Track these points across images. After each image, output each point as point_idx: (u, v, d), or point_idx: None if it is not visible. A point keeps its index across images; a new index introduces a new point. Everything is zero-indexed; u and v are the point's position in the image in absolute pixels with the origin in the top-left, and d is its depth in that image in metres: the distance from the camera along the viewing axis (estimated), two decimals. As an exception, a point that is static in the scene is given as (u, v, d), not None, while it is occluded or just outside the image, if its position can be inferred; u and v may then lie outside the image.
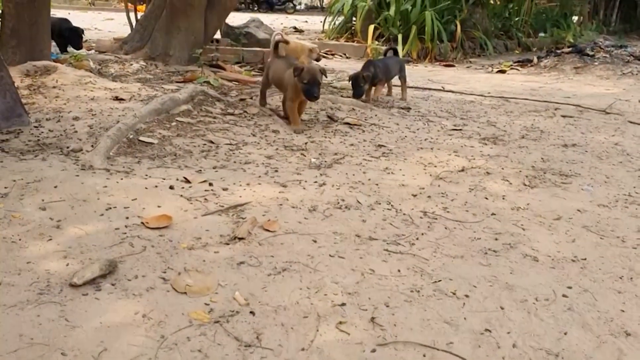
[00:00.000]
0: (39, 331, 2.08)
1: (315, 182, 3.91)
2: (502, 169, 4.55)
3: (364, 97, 6.61)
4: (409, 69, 10.78)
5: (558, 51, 12.72)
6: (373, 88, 6.80)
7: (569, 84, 9.93)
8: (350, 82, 6.56)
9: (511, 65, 11.95)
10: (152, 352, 2.02)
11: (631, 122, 6.68)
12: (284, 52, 7.52)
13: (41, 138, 4.21)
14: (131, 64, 7.18)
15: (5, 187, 3.29)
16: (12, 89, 4.42)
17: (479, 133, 5.75)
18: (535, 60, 12.32)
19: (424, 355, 2.12)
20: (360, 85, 6.43)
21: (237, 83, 7.06)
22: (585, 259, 3.01)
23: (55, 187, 3.36)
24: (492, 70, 11.41)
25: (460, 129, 5.87)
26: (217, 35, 9.22)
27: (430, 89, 8.32)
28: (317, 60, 7.69)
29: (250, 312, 2.31)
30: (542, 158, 4.94)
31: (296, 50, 7.72)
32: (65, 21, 8.46)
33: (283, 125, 5.30)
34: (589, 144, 5.54)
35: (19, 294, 2.30)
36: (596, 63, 11.48)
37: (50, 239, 2.76)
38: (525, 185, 4.19)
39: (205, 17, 7.68)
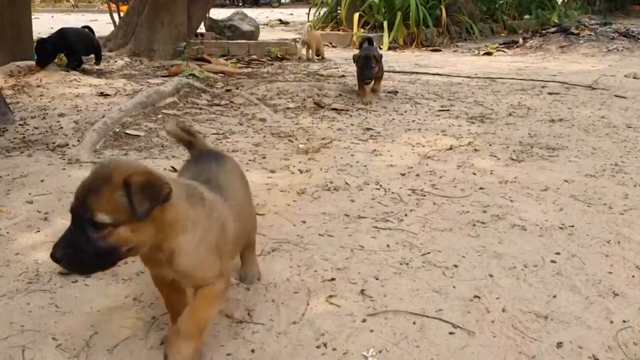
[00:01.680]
0: (30, 318, 2.09)
1: (304, 166, 3.92)
2: (490, 145, 4.57)
3: (365, 88, 6.13)
4: (395, 55, 10.81)
5: (544, 32, 12.74)
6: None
7: (555, 63, 9.95)
8: (358, 63, 5.97)
9: (497, 47, 11.97)
10: (143, 332, 2.03)
11: (617, 96, 6.71)
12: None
13: (27, 135, 4.20)
14: (115, 61, 7.16)
15: (-8, 183, 3.28)
16: (-5, 88, 4.41)
17: (466, 113, 5.76)
18: (521, 41, 12.34)
19: (414, 323, 2.13)
20: (372, 66, 5.86)
21: (223, 75, 7.04)
22: (572, 226, 3.03)
23: (42, 181, 3.35)
24: (479, 53, 11.42)
25: (448, 110, 5.88)
26: (202, 29, 9.19)
27: (417, 73, 8.33)
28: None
29: (245, 288, 2.32)
30: (529, 134, 4.96)
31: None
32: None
33: (270, 114, 5.29)
34: (576, 119, 5.56)
35: (8, 284, 2.30)
36: (581, 41, 11.52)
37: (39, 231, 2.76)
38: (513, 159, 4.21)
39: (188, 11, 7.66)
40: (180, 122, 2.00)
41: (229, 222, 1.87)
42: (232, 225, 1.89)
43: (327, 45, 12.54)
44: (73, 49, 6.21)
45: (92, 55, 6.69)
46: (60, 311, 2.14)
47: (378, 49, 6.75)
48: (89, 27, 6.71)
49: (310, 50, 9.56)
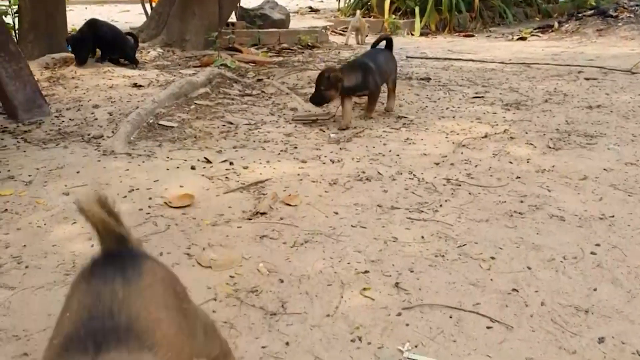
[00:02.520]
0: (67, 310, 2.11)
1: (335, 156, 3.89)
2: (526, 133, 4.47)
3: (346, 104, 4.60)
4: (427, 41, 10.66)
5: (580, 15, 12.39)
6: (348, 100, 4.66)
7: (592, 47, 9.69)
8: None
9: (532, 32, 11.70)
10: (178, 324, 2.03)
11: (658, 81, 6.50)
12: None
13: (62, 127, 4.26)
14: (148, 52, 7.20)
15: (29, 175, 3.33)
16: (31, 80, 4.47)
17: (501, 99, 5.65)
18: (556, 25, 12.04)
19: (450, 317, 2.10)
20: (321, 88, 4.52)
21: (254, 64, 7.03)
22: (613, 217, 2.94)
23: (78, 172, 3.39)
24: (513, 38, 11.18)
25: (482, 97, 5.77)
26: (232, 18, 9.19)
27: (450, 59, 8.19)
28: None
29: (279, 280, 2.31)
30: (566, 120, 4.84)
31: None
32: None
33: (301, 103, 5.27)
34: (614, 105, 5.40)
35: (46, 276, 2.33)
36: (620, 24, 11.17)
37: (75, 222, 2.79)
38: (550, 147, 4.11)
39: (219, 1, 7.65)
40: (102, 195, 1.23)
41: None
42: None
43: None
44: (106, 43, 6.21)
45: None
46: (97, 303, 2.16)
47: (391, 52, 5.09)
48: (133, 35, 6.63)
49: (360, 36, 10.10)
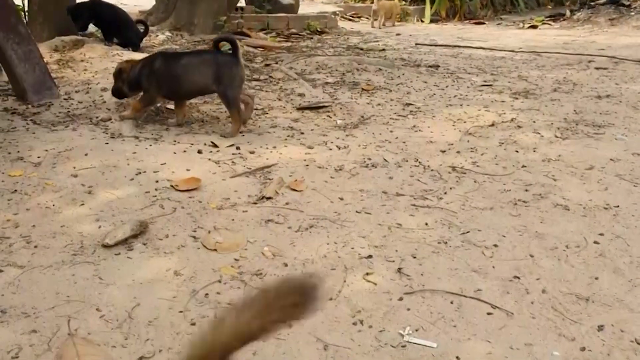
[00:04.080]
0: (75, 289, 2.15)
1: (342, 142, 3.90)
2: (534, 122, 4.46)
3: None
4: (437, 28, 10.60)
5: (592, 3, 12.29)
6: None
7: (604, 36, 9.61)
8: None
9: (543, 20, 11.62)
10: (182, 305, 2.07)
11: (669, 71, 6.46)
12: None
13: (71, 109, 4.29)
14: (157, 35, 7.21)
15: (38, 157, 3.37)
16: (41, 63, 4.49)
17: (509, 88, 5.63)
18: (568, 14, 11.95)
19: (452, 302, 2.12)
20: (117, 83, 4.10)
21: (262, 49, 7.03)
22: (617, 207, 2.95)
23: (86, 155, 3.42)
24: (524, 26, 11.11)
25: (491, 85, 5.76)
26: (242, 3, 9.18)
27: (459, 47, 8.15)
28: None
29: (283, 264, 2.34)
30: (574, 110, 4.82)
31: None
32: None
33: (309, 89, 5.27)
34: (624, 95, 5.37)
35: (55, 256, 2.37)
36: (632, 13, 11.07)
37: (83, 204, 2.83)
38: (557, 137, 4.10)
39: (228, -15, 7.65)
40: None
41: None
42: None
43: (367, 18, 12.39)
44: (106, 25, 6.34)
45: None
46: (103, 283, 2.20)
47: (232, 56, 3.93)
48: (143, 22, 6.69)
49: (380, 19, 10.56)
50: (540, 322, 2.02)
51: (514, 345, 1.90)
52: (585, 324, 2.02)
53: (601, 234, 2.65)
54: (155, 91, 4.00)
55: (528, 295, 2.17)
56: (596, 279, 2.29)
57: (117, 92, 4.16)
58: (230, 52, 3.96)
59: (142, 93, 4.07)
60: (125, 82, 4.05)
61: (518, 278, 2.29)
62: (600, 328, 2.00)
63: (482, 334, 1.95)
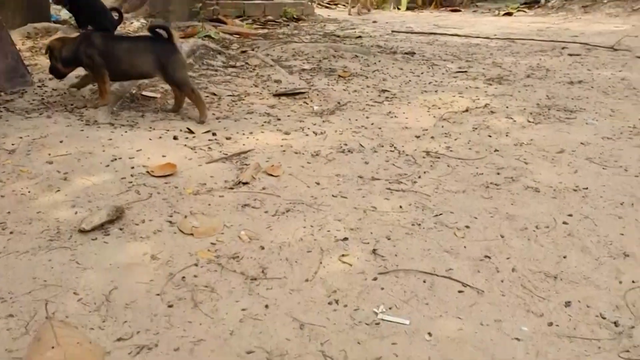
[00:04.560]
0: (52, 274, 2.16)
1: (318, 128, 3.93)
2: (507, 107, 4.53)
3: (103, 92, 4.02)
4: (413, 16, 10.64)
5: (566, -9, 12.43)
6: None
7: (577, 23, 9.75)
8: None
9: (518, 7, 11.74)
10: (160, 288, 2.09)
11: (639, 57, 6.59)
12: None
13: (45, 97, 4.25)
14: (132, 22, 7.14)
15: (13, 144, 3.34)
16: (13, 50, 4.44)
17: (484, 74, 5.70)
18: (543, 1, 12.08)
19: (424, 281, 2.17)
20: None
21: (238, 36, 7.01)
22: (587, 188, 3.03)
23: (61, 142, 3.41)
24: (499, 14, 11.22)
25: (465, 71, 5.82)
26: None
27: (435, 34, 8.21)
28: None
29: (260, 247, 2.37)
30: (547, 95, 4.91)
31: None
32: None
33: (285, 75, 5.28)
34: (595, 80, 5.48)
35: (31, 241, 2.37)
36: (605, 1, 11.23)
37: (59, 190, 2.82)
38: (530, 122, 4.18)
39: (203, -29, 7.60)
40: None
41: None
42: None
43: (344, 5, 12.40)
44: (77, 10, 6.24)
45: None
46: (80, 267, 2.21)
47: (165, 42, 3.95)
48: (118, 10, 6.55)
49: (358, 6, 10.83)
50: (510, 299, 2.09)
51: (484, 321, 1.96)
52: (553, 300, 2.09)
53: (570, 215, 2.73)
54: (100, 63, 3.95)
55: (498, 273, 2.24)
56: (564, 257, 2.36)
57: (54, 70, 4.12)
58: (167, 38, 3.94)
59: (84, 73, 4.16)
60: (59, 60, 4.02)
61: (489, 257, 2.35)
62: (568, 304, 2.06)
63: (453, 311, 2.01)
